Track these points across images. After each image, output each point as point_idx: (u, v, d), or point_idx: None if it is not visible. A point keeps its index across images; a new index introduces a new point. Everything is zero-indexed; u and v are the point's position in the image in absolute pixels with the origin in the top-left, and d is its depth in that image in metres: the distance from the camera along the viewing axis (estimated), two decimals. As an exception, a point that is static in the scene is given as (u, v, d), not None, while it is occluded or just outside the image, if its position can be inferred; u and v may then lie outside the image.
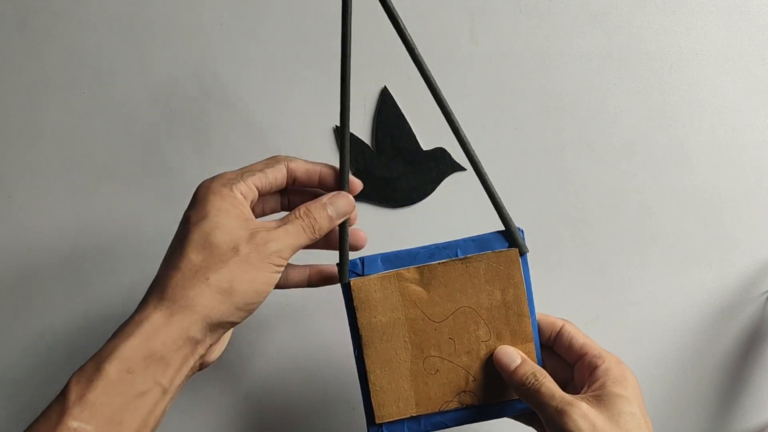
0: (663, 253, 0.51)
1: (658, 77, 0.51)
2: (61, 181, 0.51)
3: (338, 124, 0.51)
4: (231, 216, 0.36)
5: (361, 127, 0.51)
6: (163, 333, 0.33)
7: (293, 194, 0.41)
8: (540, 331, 0.41)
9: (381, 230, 0.51)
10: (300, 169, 0.39)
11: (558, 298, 0.51)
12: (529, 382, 0.37)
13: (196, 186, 0.37)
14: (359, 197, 0.51)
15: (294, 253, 0.37)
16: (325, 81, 0.51)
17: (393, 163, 0.51)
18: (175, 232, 0.37)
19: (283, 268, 0.37)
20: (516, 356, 0.39)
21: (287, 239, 0.36)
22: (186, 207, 0.37)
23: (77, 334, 0.51)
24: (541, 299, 0.51)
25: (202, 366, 0.37)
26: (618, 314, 0.51)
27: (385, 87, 0.51)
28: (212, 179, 0.37)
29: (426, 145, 0.51)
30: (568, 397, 0.36)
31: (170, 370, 0.33)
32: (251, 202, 0.38)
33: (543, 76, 0.51)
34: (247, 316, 0.36)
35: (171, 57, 0.51)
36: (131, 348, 0.33)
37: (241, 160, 0.51)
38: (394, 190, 0.51)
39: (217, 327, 0.35)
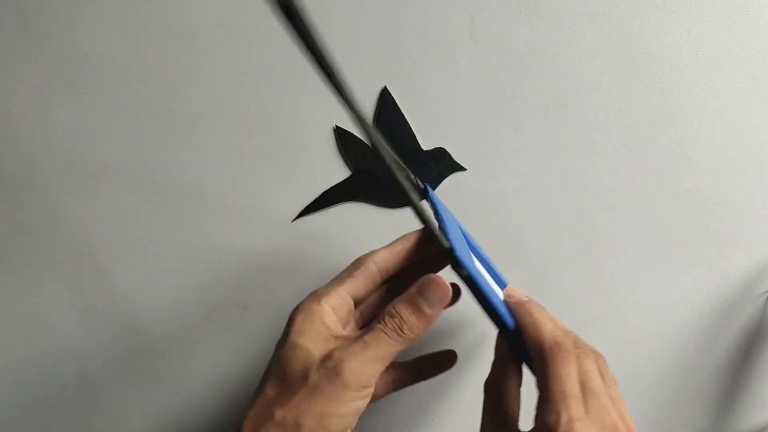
0: (663, 253, 0.51)
1: (658, 77, 0.51)
2: (61, 181, 0.51)
3: (338, 124, 0.51)
4: (309, 336, 0.31)
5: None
6: None
7: (399, 282, 0.36)
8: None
9: (381, 230, 0.51)
10: (387, 259, 0.35)
11: (558, 298, 0.51)
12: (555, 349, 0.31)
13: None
14: (359, 197, 0.51)
15: (382, 368, 0.31)
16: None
17: (393, 163, 0.51)
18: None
19: (369, 392, 0.31)
20: (520, 293, 0.37)
21: (366, 353, 0.30)
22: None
23: (77, 333, 0.51)
24: (542, 299, 0.51)
25: None
26: (618, 314, 0.51)
27: (385, 87, 0.51)
28: (306, 297, 0.33)
29: (426, 145, 0.51)
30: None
31: None
32: (347, 313, 0.33)
33: (543, 76, 0.51)
34: None
35: (171, 57, 0.51)
36: None
37: (241, 160, 0.51)
38: (394, 190, 0.51)
39: None
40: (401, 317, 0.31)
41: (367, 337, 0.31)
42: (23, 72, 0.51)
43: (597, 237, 0.51)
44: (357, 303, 0.34)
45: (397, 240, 0.36)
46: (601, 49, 0.51)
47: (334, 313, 0.32)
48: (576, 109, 0.51)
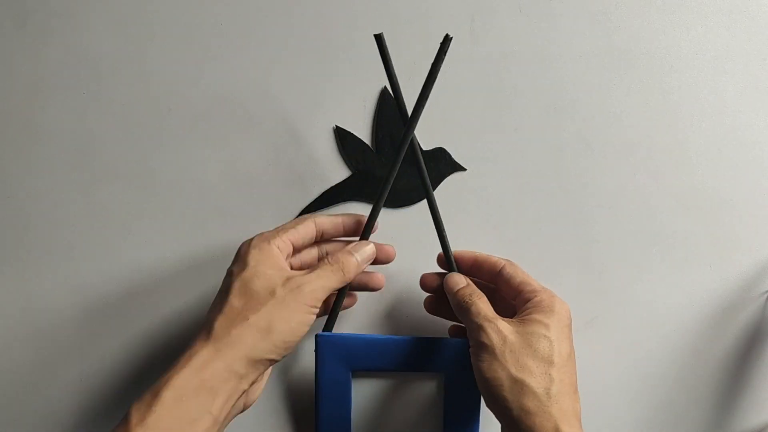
0: (663, 253, 0.51)
1: (658, 77, 0.51)
2: (61, 181, 0.51)
3: (338, 124, 0.51)
4: (267, 265, 0.41)
5: (361, 127, 0.51)
6: (210, 366, 0.37)
7: (327, 245, 0.47)
8: (482, 271, 0.46)
9: (381, 230, 0.51)
10: (326, 223, 0.45)
11: (558, 298, 0.51)
12: (464, 301, 0.43)
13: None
14: (360, 197, 0.51)
15: (327, 294, 0.42)
16: (325, 81, 0.51)
17: (393, 163, 0.51)
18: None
19: (317, 309, 0.41)
20: (462, 281, 0.45)
21: (319, 281, 0.41)
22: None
23: (77, 334, 0.51)
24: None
25: (245, 406, 0.42)
26: (618, 314, 0.51)
27: (385, 87, 0.51)
28: (252, 238, 0.43)
29: (426, 145, 0.51)
30: (491, 315, 0.42)
31: (218, 401, 0.37)
32: (287, 255, 0.43)
33: (543, 76, 0.51)
34: (285, 354, 0.40)
35: (171, 57, 0.51)
36: (183, 378, 0.37)
37: (240, 161, 0.51)
38: (394, 190, 0.51)
39: (258, 363, 0.39)
40: (342, 261, 0.43)
41: (319, 270, 0.42)
42: (23, 72, 0.51)
43: (597, 237, 0.51)
44: (294, 251, 0.44)
45: (342, 215, 0.46)
46: (601, 49, 0.51)
47: (281, 253, 0.42)
48: (576, 109, 0.51)
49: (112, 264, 0.51)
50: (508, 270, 0.45)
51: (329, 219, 0.46)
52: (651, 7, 0.51)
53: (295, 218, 0.45)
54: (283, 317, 0.39)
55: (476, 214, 0.51)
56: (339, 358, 0.46)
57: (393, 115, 0.50)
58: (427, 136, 0.51)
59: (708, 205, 0.51)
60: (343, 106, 0.51)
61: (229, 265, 0.43)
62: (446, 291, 0.45)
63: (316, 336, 0.46)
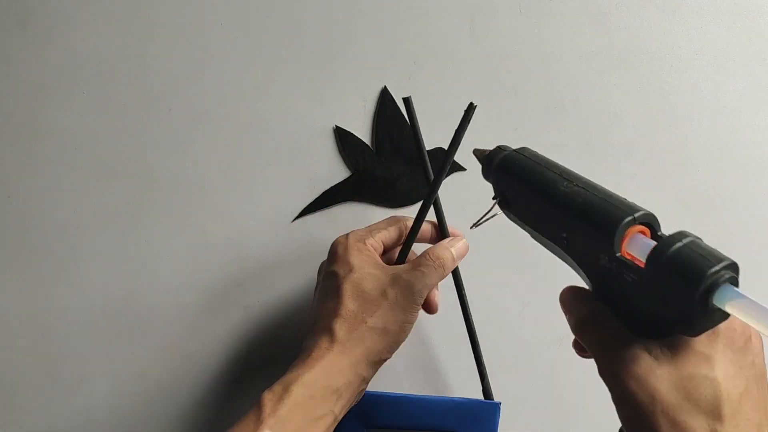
0: (663, 253, 0.51)
1: (658, 77, 0.51)
2: (61, 181, 0.51)
3: (338, 124, 0.51)
4: (372, 266, 0.42)
5: (361, 127, 0.51)
6: (337, 368, 0.39)
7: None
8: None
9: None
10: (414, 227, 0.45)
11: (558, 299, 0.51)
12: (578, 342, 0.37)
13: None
14: (359, 197, 0.51)
15: (429, 291, 0.43)
16: (325, 81, 0.51)
17: (392, 163, 0.51)
18: (319, 285, 0.44)
19: (420, 306, 0.42)
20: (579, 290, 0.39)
21: (424, 280, 0.42)
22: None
23: (77, 334, 0.51)
24: (542, 299, 0.51)
25: (354, 404, 0.43)
26: (618, 314, 0.51)
27: (385, 87, 0.51)
28: (346, 236, 0.43)
29: (426, 145, 0.51)
30: (628, 355, 0.31)
31: (341, 401, 0.39)
32: (379, 255, 0.44)
33: (543, 76, 0.51)
34: (394, 352, 0.42)
35: (171, 57, 0.51)
36: (313, 377, 0.38)
37: (240, 161, 0.51)
38: (394, 190, 0.51)
39: (376, 364, 0.41)
40: (442, 258, 0.43)
41: (423, 268, 0.42)
42: (23, 72, 0.51)
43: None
44: (384, 251, 0.45)
45: (428, 221, 0.46)
46: (601, 49, 0.51)
47: (375, 252, 0.43)
48: (576, 109, 0.51)
49: (112, 264, 0.51)
50: None
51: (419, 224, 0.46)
52: (651, 7, 0.51)
53: (386, 218, 0.45)
54: (396, 318, 0.40)
55: (476, 215, 0.51)
56: (355, 415, 0.46)
57: (393, 116, 0.50)
58: (427, 136, 0.51)
59: (708, 205, 0.51)
60: (343, 106, 0.51)
61: (324, 264, 0.44)
62: (563, 307, 0.38)
63: None
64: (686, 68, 0.51)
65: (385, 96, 0.50)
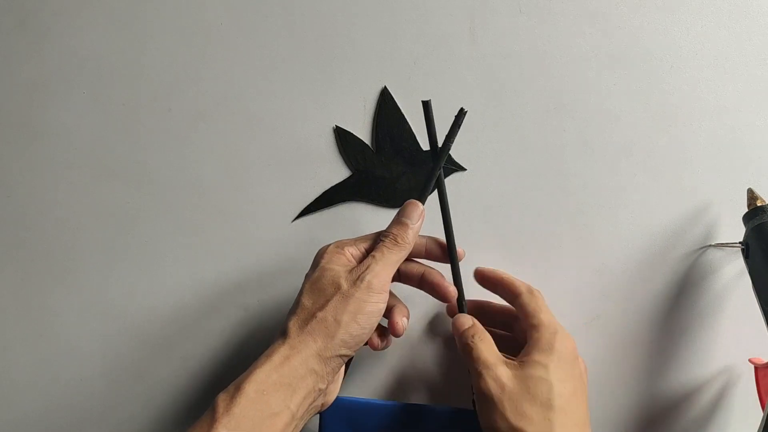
0: (663, 253, 0.51)
1: (658, 77, 0.51)
2: (61, 181, 0.51)
3: (338, 124, 0.51)
4: (335, 264, 0.41)
5: (361, 127, 0.51)
6: (288, 364, 0.38)
7: (408, 264, 0.46)
8: (505, 293, 0.46)
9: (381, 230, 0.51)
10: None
11: (558, 298, 0.51)
12: (466, 344, 0.42)
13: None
14: (359, 197, 0.51)
15: (393, 271, 0.42)
16: (325, 81, 0.51)
17: (393, 163, 0.51)
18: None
19: (386, 294, 0.41)
20: (468, 321, 0.44)
21: (379, 263, 0.41)
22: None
23: (76, 334, 0.51)
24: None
25: (323, 406, 0.43)
26: (618, 314, 0.51)
27: (385, 87, 0.51)
28: (329, 244, 0.43)
29: (426, 145, 0.51)
30: (490, 360, 0.40)
31: (297, 397, 0.38)
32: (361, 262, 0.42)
33: (543, 76, 0.51)
34: (356, 349, 0.41)
35: (171, 57, 0.51)
36: (265, 373, 0.38)
37: (240, 161, 0.51)
38: (394, 190, 0.51)
39: (330, 360, 0.40)
40: (393, 233, 0.42)
41: (375, 253, 0.41)
42: (23, 72, 0.51)
43: (597, 237, 0.51)
44: None
45: (426, 236, 0.45)
46: (601, 49, 0.51)
47: (352, 258, 0.42)
48: (576, 109, 0.51)
49: (112, 264, 0.51)
50: (525, 298, 0.44)
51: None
52: (651, 7, 0.51)
53: (377, 231, 0.44)
54: (349, 310, 0.39)
55: (476, 214, 0.51)
56: (343, 423, 0.46)
57: (393, 115, 0.50)
58: (427, 136, 0.51)
59: (708, 205, 0.51)
60: (343, 106, 0.51)
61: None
62: (453, 332, 0.45)
63: None
64: (686, 68, 0.51)
65: (385, 96, 0.50)
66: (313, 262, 0.43)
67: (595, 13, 0.51)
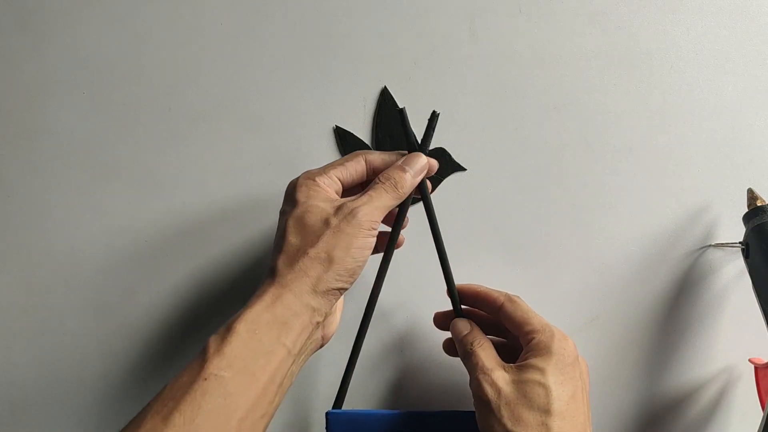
0: (663, 253, 0.51)
1: (658, 77, 0.51)
2: (61, 181, 0.51)
3: (338, 124, 0.51)
4: (317, 199, 0.40)
5: (361, 127, 0.51)
6: (280, 301, 0.38)
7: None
8: (485, 307, 0.45)
9: (380, 228, 0.51)
10: (377, 160, 0.43)
11: (558, 298, 0.51)
12: (466, 350, 0.42)
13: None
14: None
15: (384, 214, 0.41)
16: (325, 81, 0.51)
17: (393, 163, 0.51)
18: None
19: (376, 231, 0.40)
20: (467, 326, 0.44)
21: (373, 203, 0.40)
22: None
23: (76, 334, 0.51)
24: (542, 299, 0.51)
25: (324, 339, 0.43)
26: (618, 314, 0.51)
27: (385, 87, 0.51)
28: (298, 177, 0.42)
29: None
30: (489, 365, 0.40)
31: (292, 334, 0.38)
32: (336, 192, 0.42)
33: (543, 76, 0.51)
34: (352, 281, 0.40)
35: (171, 57, 0.51)
36: (255, 313, 0.37)
37: (240, 161, 0.51)
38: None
39: (327, 294, 0.39)
40: (394, 178, 0.42)
41: (371, 192, 0.41)
42: (23, 72, 0.51)
43: (596, 237, 0.51)
44: (343, 189, 0.43)
45: (395, 152, 0.44)
46: (601, 49, 0.51)
47: (329, 189, 0.41)
48: (576, 109, 0.51)
49: (112, 264, 0.51)
50: (507, 308, 0.43)
51: (380, 155, 0.44)
52: (651, 6, 0.51)
53: (346, 156, 0.43)
54: (341, 245, 0.39)
55: (476, 214, 0.51)
56: None
57: (393, 115, 0.50)
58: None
59: (708, 206, 0.51)
60: (343, 106, 0.51)
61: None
62: (453, 337, 0.45)
63: (327, 414, 0.45)
64: (686, 68, 0.51)
65: (385, 96, 0.50)
66: (286, 198, 0.42)
67: (595, 13, 0.51)
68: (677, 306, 0.51)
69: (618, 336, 0.51)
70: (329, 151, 0.51)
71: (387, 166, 0.43)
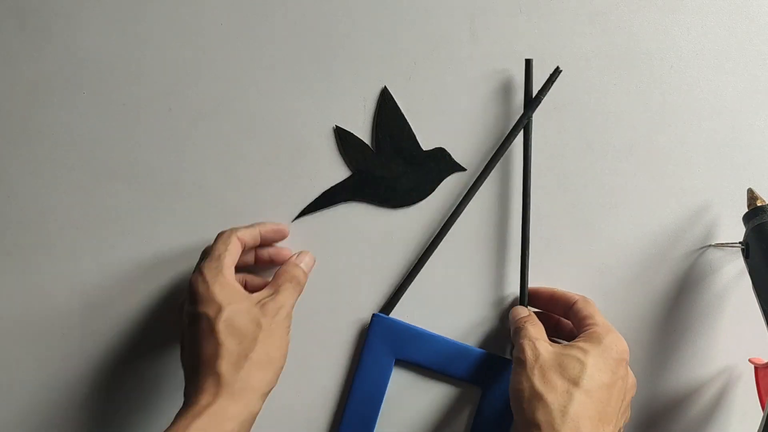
0: (663, 253, 0.51)
1: (658, 77, 0.51)
2: (61, 181, 0.51)
3: (338, 124, 0.51)
4: (239, 300, 0.42)
5: (361, 127, 0.51)
6: (230, 413, 0.38)
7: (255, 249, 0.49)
8: (558, 306, 0.48)
9: (381, 231, 0.51)
10: (246, 235, 0.46)
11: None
12: (518, 327, 0.44)
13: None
14: (360, 198, 0.51)
15: (293, 308, 0.44)
16: (326, 81, 0.51)
17: (393, 163, 0.51)
18: (187, 330, 0.42)
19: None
20: (525, 311, 0.47)
21: (288, 301, 0.43)
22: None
23: (76, 333, 0.51)
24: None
25: None
26: (618, 314, 0.51)
27: (385, 87, 0.51)
28: (199, 273, 0.43)
29: (426, 145, 0.51)
30: (535, 335, 0.43)
31: None
32: (240, 283, 0.45)
33: (543, 76, 0.51)
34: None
35: (171, 57, 0.51)
36: (204, 426, 0.37)
37: (240, 161, 0.51)
38: (394, 190, 0.51)
39: (267, 395, 0.41)
40: (296, 277, 0.45)
41: (284, 292, 0.44)
42: (23, 72, 0.51)
43: (597, 237, 0.51)
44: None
45: (258, 224, 0.48)
46: (601, 49, 0.51)
47: (241, 287, 0.43)
48: (576, 109, 0.51)
49: (112, 264, 0.51)
50: (580, 304, 0.46)
51: (248, 231, 0.47)
52: (651, 7, 0.51)
53: (216, 238, 0.45)
54: (275, 345, 0.41)
55: (476, 215, 0.51)
56: (387, 342, 0.48)
57: (393, 115, 0.50)
58: (426, 136, 0.51)
59: (708, 206, 0.51)
60: (343, 106, 0.51)
61: (185, 305, 0.43)
62: (509, 321, 0.47)
63: (373, 315, 0.48)
64: (686, 68, 0.51)
65: (385, 96, 0.50)
66: (199, 298, 0.42)
67: (595, 13, 0.51)
68: (677, 306, 0.51)
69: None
70: (329, 151, 0.51)
71: (254, 241, 0.47)
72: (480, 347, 0.50)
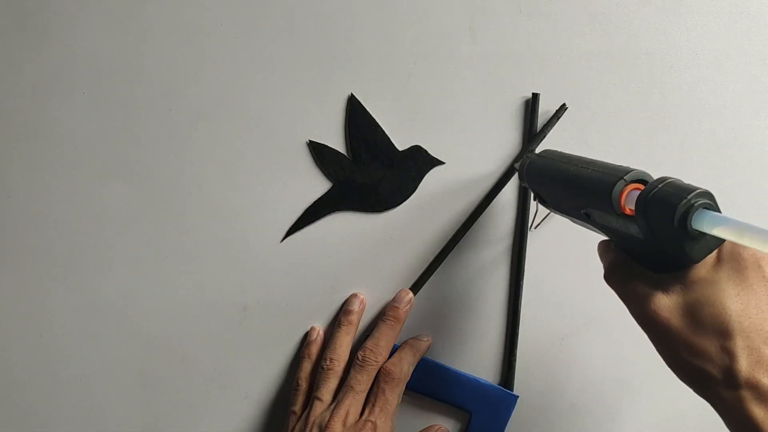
0: (663, 253, 0.51)
1: (658, 77, 0.51)
2: (61, 181, 0.51)
3: (311, 139, 0.51)
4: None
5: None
6: None
7: None
8: None
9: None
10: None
11: (559, 299, 0.51)
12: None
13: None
14: (343, 207, 0.51)
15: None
16: (326, 81, 0.51)
17: (371, 168, 0.50)
18: None
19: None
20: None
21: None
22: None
23: (76, 334, 0.51)
24: (542, 299, 0.51)
25: None
26: (618, 314, 0.51)
27: (352, 94, 0.50)
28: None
29: (401, 145, 0.51)
30: (644, 291, 0.35)
31: None
32: None
33: (543, 76, 0.51)
34: None
35: (171, 57, 0.51)
36: None
37: (241, 160, 0.51)
38: (377, 194, 0.50)
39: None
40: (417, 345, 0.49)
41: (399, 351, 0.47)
42: (23, 72, 0.51)
43: (596, 236, 0.51)
44: None
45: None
46: (601, 49, 0.51)
47: None
48: (576, 109, 0.51)
49: (112, 264, 0.51)
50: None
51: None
52: (651, 7, 0.51)
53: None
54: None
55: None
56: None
57: (364, 122, 0.50)
58: (400, 136, 0.51)
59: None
60: (343, 106, 0.51)
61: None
62: (599, 254, 0.41)
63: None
64: (686, 68, 0.51)
65: (353, 103, 0.50)
66: None
67: (595, 13, 0.51)
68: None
69: (618, 336, 0.51)
70: (308, 166, 0.51)
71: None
72: (469, 372, 0.50)
